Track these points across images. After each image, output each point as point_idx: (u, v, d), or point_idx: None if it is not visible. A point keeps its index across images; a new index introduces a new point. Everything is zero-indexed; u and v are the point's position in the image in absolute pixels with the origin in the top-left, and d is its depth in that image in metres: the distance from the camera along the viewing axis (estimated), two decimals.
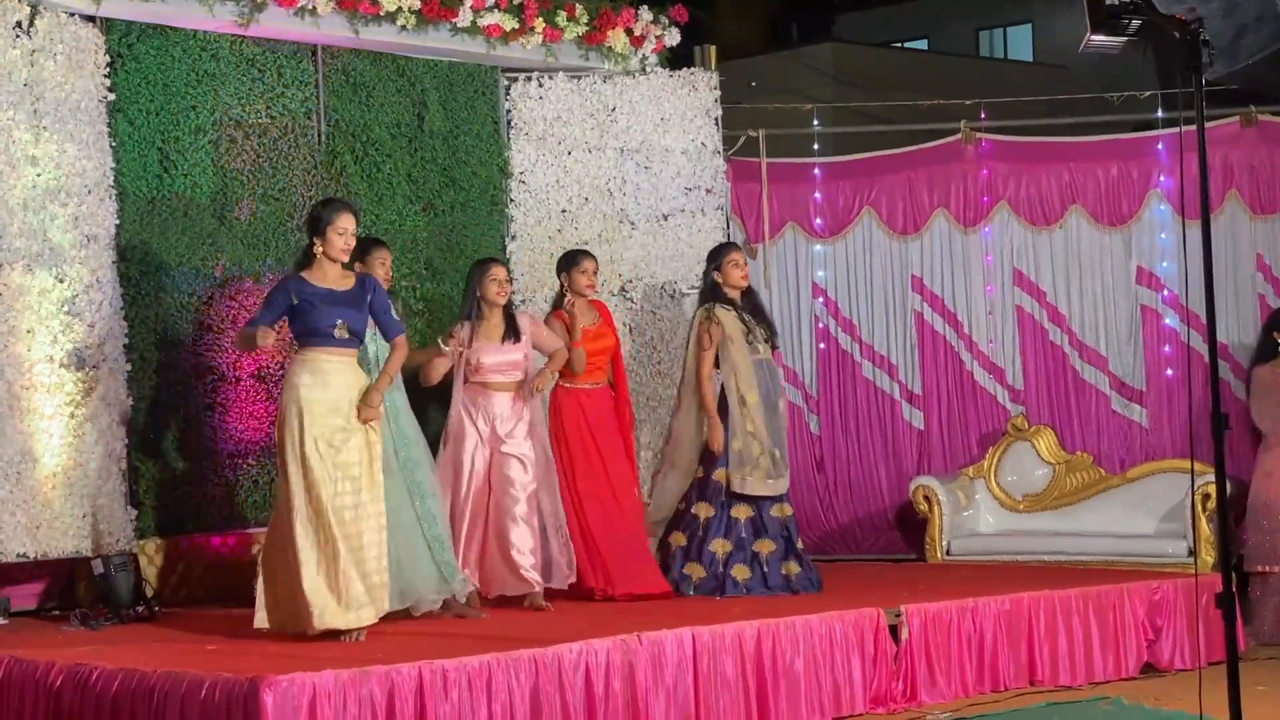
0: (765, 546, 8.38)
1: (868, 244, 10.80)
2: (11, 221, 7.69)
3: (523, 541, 8.00)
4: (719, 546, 8.36)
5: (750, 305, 8.65)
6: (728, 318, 8.49)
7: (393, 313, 7.33)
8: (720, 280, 8.58)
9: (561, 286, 8.63)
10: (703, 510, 8.43)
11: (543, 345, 8.32)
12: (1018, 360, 10.59)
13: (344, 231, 7.10)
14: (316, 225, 7.12)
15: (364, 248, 7.83)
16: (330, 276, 7.13)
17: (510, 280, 8.37)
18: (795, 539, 8.48)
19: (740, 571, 8.31)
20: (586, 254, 8.71)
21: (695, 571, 8.32)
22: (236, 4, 8.43)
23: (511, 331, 8.17)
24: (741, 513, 8.40)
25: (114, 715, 5.92)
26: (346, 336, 7.04)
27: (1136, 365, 10.39)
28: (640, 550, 8.45)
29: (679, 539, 8.39)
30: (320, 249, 7.09)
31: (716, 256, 8.64)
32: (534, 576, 7.98)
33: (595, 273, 8.64)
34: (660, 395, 9.75)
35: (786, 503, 8.51)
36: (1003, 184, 10.64)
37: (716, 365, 8.51)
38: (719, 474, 8.41)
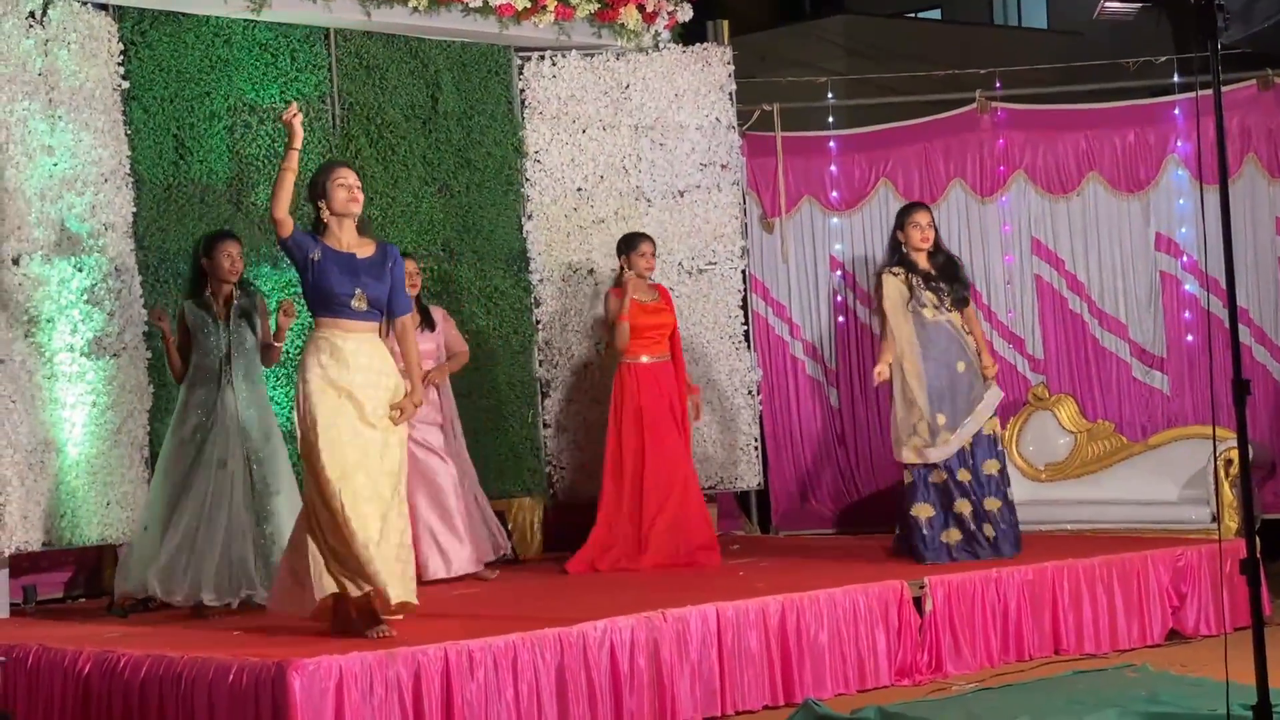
0: (993, 504, 8.30)
1: (885, 216, 10.70)
2: (29, 211, 7.71)
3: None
4: (963, 507, 8.24)
5: (938, 265, 8.47)
6: (891, 284, 8.39)
7: (406, 288, 6.91)
8: (902, 240, 8.48)
9: (621, 268, 8.81)
10: (938, 477, 8.33)
11: (451, 343, 8.71)
12: (1037, 329, 10.55)
13: (345, 182, 6.63)
14: (316, 187, 6.67)
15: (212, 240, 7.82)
16: (345, 241, 6.63)
17: (420, 273, 8.61)
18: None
19: (988, 529, 8.24)
20: (645, 237, 8.91)
21: (952, 537, 8.24)
22: None
23: (427, 321, 8.56)
24: (965, 475, 8.33)
25: (142, 702, 5.95)
26: (365, 308, 6.53)
27: (1157, 332, 10.35)
28: (674, 524, 8.63)
29: (925, 509, 8.31)
30: (327, 210, 6.64)
31: (900, 216, 8.51)
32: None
33: (653, 254, 8.85)
34: None
35: (994, 458, 8.40)
36: (1019, 153, 10.58)
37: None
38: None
